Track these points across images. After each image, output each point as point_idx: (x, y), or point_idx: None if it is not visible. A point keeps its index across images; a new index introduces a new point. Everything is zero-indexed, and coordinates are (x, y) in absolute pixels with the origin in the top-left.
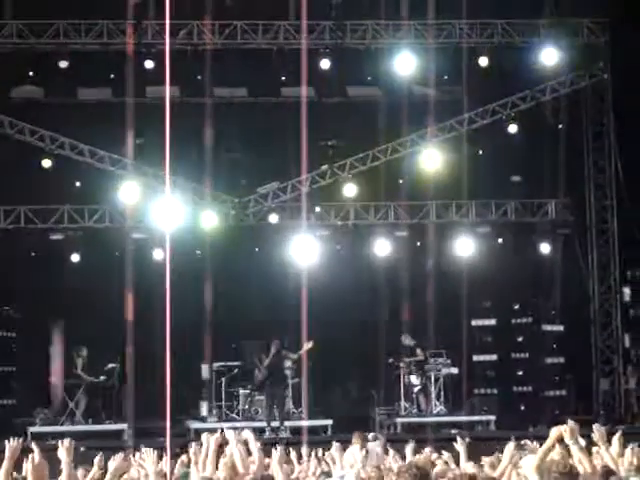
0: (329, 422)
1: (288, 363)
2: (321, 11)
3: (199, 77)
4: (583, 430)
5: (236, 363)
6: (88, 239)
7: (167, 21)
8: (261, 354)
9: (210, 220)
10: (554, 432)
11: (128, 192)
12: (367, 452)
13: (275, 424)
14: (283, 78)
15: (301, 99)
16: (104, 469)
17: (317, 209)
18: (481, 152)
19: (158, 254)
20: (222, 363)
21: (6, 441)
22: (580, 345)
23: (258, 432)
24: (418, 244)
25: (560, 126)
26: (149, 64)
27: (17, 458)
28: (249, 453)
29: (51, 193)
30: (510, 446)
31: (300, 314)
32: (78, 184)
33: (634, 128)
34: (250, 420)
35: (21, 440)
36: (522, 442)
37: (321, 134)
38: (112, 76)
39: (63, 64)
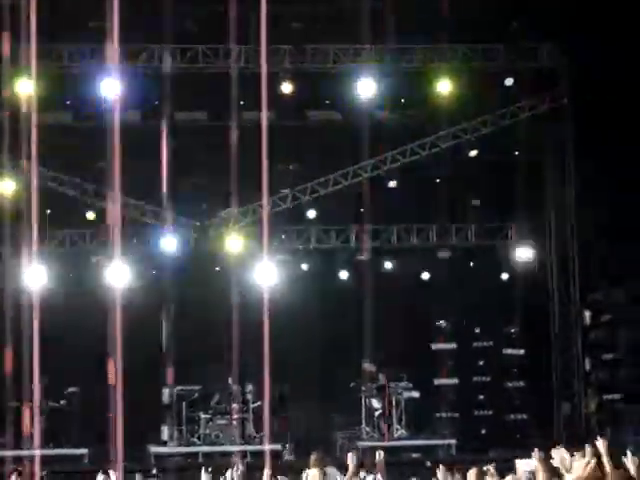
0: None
1: (249, 387)
2: (282, 35)
3: (159, 102)
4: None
5: (196, 387)
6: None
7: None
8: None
9: (171, 244)
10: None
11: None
12: (325, 475)
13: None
14: (242, 102)
15: (261, 122)
16: None
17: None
18: (441, 176)
19: (120, 277)
20: (182, 387)
21: None
22: (541, 369)
23: (220, 455)
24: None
25: (520, 150)
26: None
27: None
28: None
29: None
30: (472, 472)
31: (261, 337)
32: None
33: (593, 152)
34: (211, 445)
35: None
36: (485, 468)
37: (282, 158)
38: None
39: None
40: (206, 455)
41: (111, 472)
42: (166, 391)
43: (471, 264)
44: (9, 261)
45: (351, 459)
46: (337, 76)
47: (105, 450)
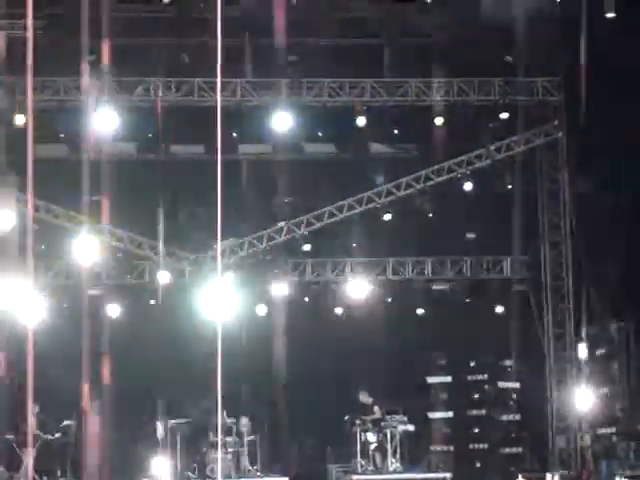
0: (285, 479)
1: (244, 420)
2: (278, 69)
3: (154, 134)
4: None
5: (189, 420)
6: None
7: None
8: None
9: (164, 278)
10: None
11: (84, 248)
12: None
13: None
14: (234, 135)
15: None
16: None
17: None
18: (436, 209)
19: (113, 310)
20: (176, 420)
21: None
22: (536, 402)
23: None
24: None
25: (515, 184)
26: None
27: None
28: None
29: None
30: None
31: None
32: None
33: (588, 186)
34: (206, 478)
35: None
36: None
37: (277, 191)
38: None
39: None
40: None
41: None
42: (160, 425)
43: (467, 297)
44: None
45: None
46: (333, 110)
47: None
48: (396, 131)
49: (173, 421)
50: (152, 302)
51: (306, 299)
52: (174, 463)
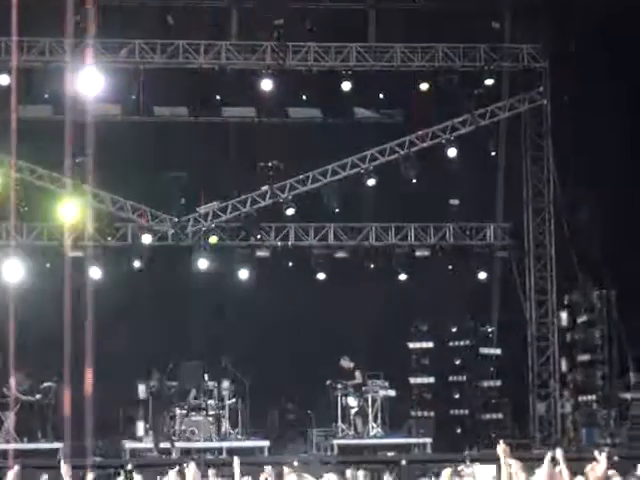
0: (266, 443)
1: (225, 384)
2: (263, 32)
3: (139, 96)
4: (520, 453)
5: (173, 383)
6: (26, 256)
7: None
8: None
9: (147, 240)
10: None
11: (67, 210)
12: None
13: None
14: (219, 98)
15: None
16: None
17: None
18: (420, 175)
19: (95, 272)
20: (154, 382)
21: None
22: (517, 369)
23: (195, 452)
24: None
25: (499, 150)
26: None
27: None
28: None
29: None
30: (447, 471)
31: (240, 333)
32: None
33: (572, 153)
34: (186, 440)
35: None
36: (458, 468)
37: (261, 155)
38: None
39: (4, 80)
40: (182, 451)
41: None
42: (142, 387)
43: (449, 264)
44: None
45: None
46: (318, 74)
47: (80, 445)
48: (381, 96)
49: (153, 382)
50: (136, 265)
51: (290, 264)
52: (155, 425)
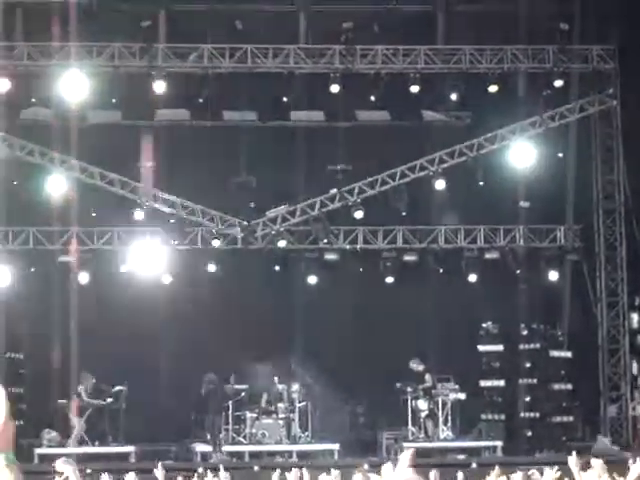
0: (335, 446)
1: (295, 387)
2: (331, 35)
3: (208, 101)
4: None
5: (244, 386)
6: (98, 259)
7: None
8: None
9: (216, 243)
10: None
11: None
12: None
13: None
14: (287, 101)
15: (310, 123)
16: None
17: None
18: (489, 177)
19: (166, 277)
20: (230, 386)
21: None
22: (588, 371)
23: (267, 455)
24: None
25: (568, 152)
26: (159, 87)
27: None
28: None
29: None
30: (518, 476)
31: (309, 336)
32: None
33: None
34: (257, 444)
35: None
36: (529, 472)
37: (330, 158)
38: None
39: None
40: (252, 455)
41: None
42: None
43: (519, 266)
44: None
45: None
46: (387, 77)
47: (152, 449)
48: (453, 97)
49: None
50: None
51: (359, 267)
52: (225, 428)
